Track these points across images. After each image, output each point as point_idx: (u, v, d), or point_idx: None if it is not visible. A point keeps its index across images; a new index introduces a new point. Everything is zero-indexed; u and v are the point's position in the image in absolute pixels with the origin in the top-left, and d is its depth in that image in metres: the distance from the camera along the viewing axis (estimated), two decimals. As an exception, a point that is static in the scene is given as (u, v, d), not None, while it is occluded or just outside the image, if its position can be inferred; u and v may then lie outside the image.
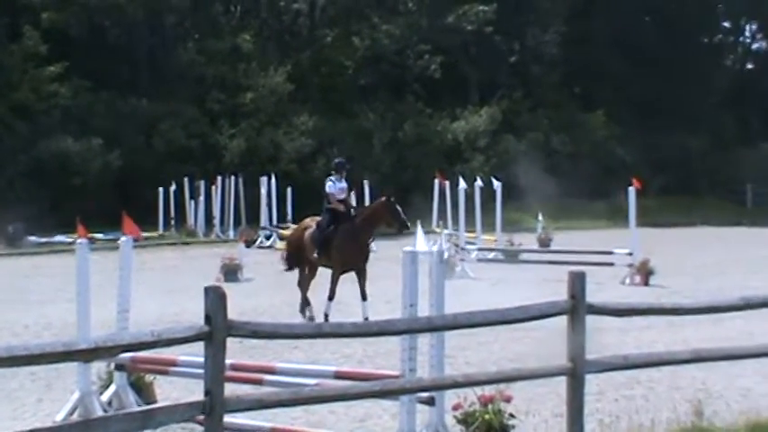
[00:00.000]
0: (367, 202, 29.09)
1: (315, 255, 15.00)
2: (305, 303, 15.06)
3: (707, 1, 52.02)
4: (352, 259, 14.81)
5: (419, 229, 8.37)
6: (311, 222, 15.56)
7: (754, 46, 55.93)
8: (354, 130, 41.78)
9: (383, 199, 15.49)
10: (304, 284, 15.27)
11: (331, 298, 14.79)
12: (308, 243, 15.14)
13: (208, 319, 5.58)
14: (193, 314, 11.56)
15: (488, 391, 7.96)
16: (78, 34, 39.60)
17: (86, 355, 5.59)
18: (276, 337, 6.29)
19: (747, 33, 55.19)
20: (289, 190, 32.41)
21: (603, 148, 45.83)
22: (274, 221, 31.59)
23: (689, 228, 38.22)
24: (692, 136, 47.34)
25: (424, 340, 7.96)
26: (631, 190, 20.73)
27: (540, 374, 7.32)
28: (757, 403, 9.34)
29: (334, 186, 15.34)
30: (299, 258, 15.39)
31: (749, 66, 55.90)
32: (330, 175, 15.57)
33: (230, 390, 7.33)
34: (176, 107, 39.66)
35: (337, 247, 14.88)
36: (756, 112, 51.25)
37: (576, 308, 7.04)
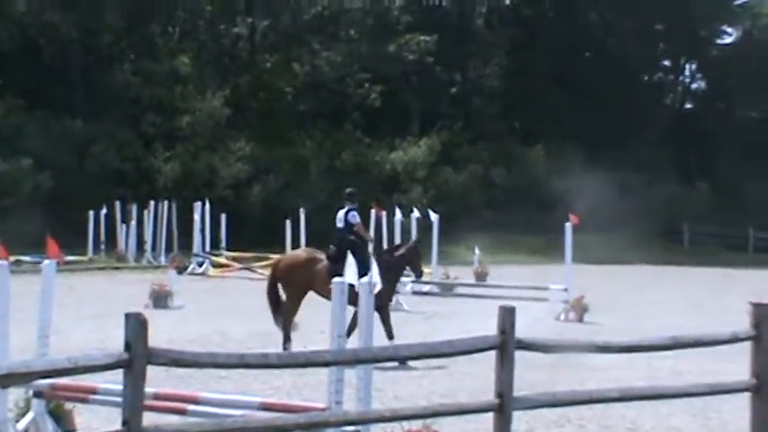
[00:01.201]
0: (303, 232, 29.04)
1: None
2: (288, 339, 14.68)
3: (648, 39, 52.88)
4: (387, 295, 14.60)
5: (350, 260, 8.37)
6: (316, 254, 15.26)
7: (693, 86, 56.92)
8: (292, 157, 41.73)
9: (412, 243, 15.98)
10: (289, 319, 14.83)
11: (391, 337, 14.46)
12: (322, 276, 14.67)
13: (128, 346, 5.52)
14: (120, 341, 11.39)
15: (415, 425, 7.95)
16: (11, 51, 39.13)
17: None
18: (198, 365, 6.24)
19: (687, 73, 56.18)
20: (223, 216, 32.25)
21: (542, 182, 46.22)
22: (207, 248, 31.38)
23: (626, 265, 38.64)
24: (632, 173, 47.95)
25: (352, 372, 7.95)
26: (568, 226, 20.91)
27: (467, 410, 7.33)
28: (686, 443, 9.45)
29: (358, 217, 15.51)
30: (294, 289, 14.95)
31: (688, 105, 56.86)
32: (344, 206, 15.56)
33: (152, 419, 7.23)
34: (110, 129, 39.32)
35: None
36: (694, 152, 52.14)
37: (505, 343, 7.08)
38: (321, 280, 14.65)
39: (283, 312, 14.88)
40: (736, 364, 13.17)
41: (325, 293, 14.58)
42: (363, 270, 14.70)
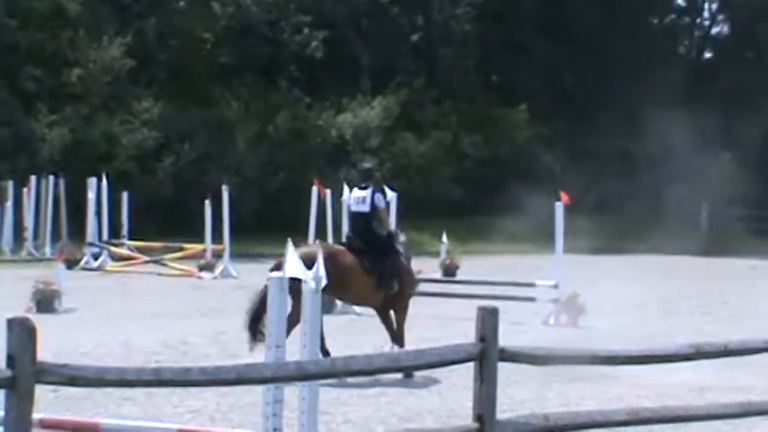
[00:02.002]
0: (225, 213, 28.98)
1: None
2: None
3: (657, -27, 53.34)
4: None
5: (290, 250, 8.36)
6: (336, 247, 15.56)
7: (714, 30, 57.31)
8: (212, 121, 41.56)
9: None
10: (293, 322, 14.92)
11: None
12: (357, 275, 15.05)
13: (10, 360, 5.49)
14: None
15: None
16: None
17: None
18: (102, 384, 6.21)
19: (706, 15, 56.56)
20: (125, 196, 32.07)
21: (526, 152, 46.45)
22: (105, 236, 31.22)
23: (630, 255, 38.95)
24: (636, 140, 48.28)
25: (294, 392, 7.96)
26: (559, 206, 21.01)
27: (439, 437, 7.37)
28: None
29: (384, 200, 15.95)
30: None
31: (707, 54, 57.27)
32: (359, 185, 15.75)
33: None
34: (-22, 84, 38.98)
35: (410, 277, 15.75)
36: (715, 113, 52.45)
37: (486, 353, 7.12)
38: (355, 280, 14.97)
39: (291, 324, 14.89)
40: (770, 378, 13.38)
41: (360, 297, 15.49)
42: (393, 270, 15.30)
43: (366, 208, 15.47)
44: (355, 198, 15.64)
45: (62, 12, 41.93)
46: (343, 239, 16.24)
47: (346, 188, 17.32)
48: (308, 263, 14.82)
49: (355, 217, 15.67)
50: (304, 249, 14.50)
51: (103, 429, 8.03)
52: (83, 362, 13.04)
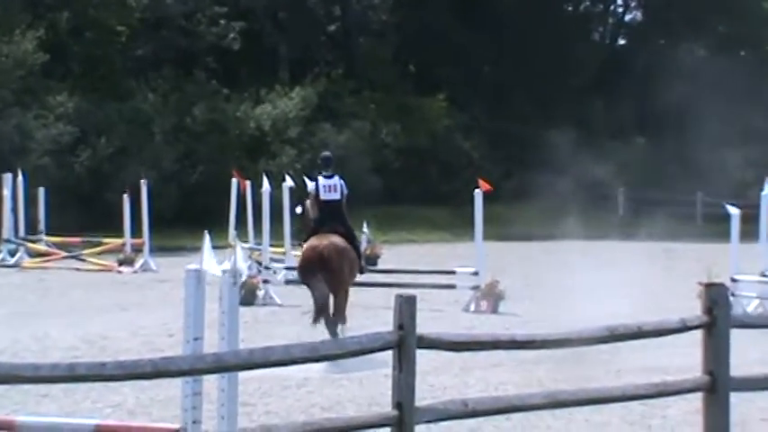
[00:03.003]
0: (144, 207, 28.80)
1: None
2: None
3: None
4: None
5: (207, 243, 8.33)
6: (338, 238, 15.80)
7: (628, 17, 57.83)
8: (128, 114, 41.26)
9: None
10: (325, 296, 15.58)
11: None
12: (355, 261, 16.00)
13: (-77, 359, 5.43)
14: None
15: (294, 447, 7.97)
16: None
17: None
18: (16, 381, 6.16)
19: (619, 1, 57.03)
20: (41, 191, 31.72)
21: (445, 140, 46.60)
22: (21, 232, 30.86)
23: (548, 241, 39.20)
24: (553, 127, 48.61)
25: (214, 384, 7.93)
26: (478, 193, 21.12)
27: (358, 425, 7.39)
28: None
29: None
30: (345, 279, 15.79)
31: (621, 41, 57.78)
32: (322, 174, 16.14)
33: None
34: None
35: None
36: (629, 99, 52.98)
37: (404, 341, 7.15)
38: (350, 265, 15.69)
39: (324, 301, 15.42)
40: (685, 359, 13.56)
41: (348, 282, 15.83)
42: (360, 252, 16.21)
43: (337, 195, 15.95)
44: (324, 186, 15.97)
45: (-28, 5, 41.38)
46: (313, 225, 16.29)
47: (307, 179, 17.47)
48: (341, 250, 15.62)
49: (328, 205, 15.94)
50: (325, 241, 15.37)
51: (20, 427, 7.94)
52: None
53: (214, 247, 8.71)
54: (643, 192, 48.36)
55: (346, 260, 15.55)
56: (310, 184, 16.36)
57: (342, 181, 16.10)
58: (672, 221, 45.20)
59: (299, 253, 24.69)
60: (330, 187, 15.94)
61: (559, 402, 8.33)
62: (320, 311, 15.06)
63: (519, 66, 48.99)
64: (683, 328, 8.58)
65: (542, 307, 20.19)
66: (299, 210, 16.90)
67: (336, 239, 15.47)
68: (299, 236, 17.34)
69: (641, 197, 48.14)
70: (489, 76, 49.62)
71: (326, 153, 17.09)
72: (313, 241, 15.50)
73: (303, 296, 21.44)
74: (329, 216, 15.81)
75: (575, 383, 11.49)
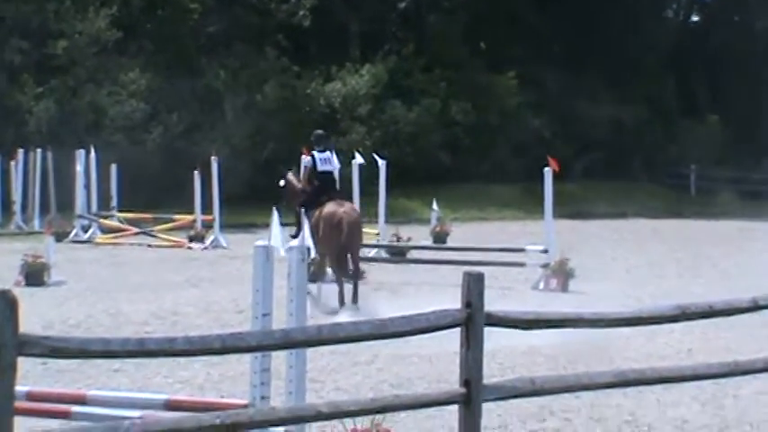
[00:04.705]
0: (215, 184, 28.97)
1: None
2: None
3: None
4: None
5: (275, 219, 8.35)
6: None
7: (702, -6, 57.24)
8: (200, 91, 41.44)
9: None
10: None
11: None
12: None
13: (-7, 332, 5.46)
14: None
15: (362, 423, 7.98)
16: None
17: None
18: (86, 355, 6.20)
19: (694, -22, 56.44)
20: (113, 168, 32.02)
21: (515, 118, 46.41)
22: (94, 208, 31.17)
23: (619, 220, 39.01)
24: (625, 105, 48.29)
25: (282, 360, 7.97)
26: (548, 171, 21.03)
27: (425, 402, 7.37)
28: (695, 438, 9.60)
29: None
30: (358, 246, 17.90)
31: (694, 18, 57.20)
32: (320, 149, 18.20)
33: (28, 426, 7.21)
34: (-35, 58, 38.82)
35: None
36: (703, 77, 52.52)
37: (472, 318, 7.12)
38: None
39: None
40: (757, 340, 13.43)
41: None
42: None
43: (330, 167, 18.14)
44: (320, 159, 18.02)
45: (47, -16, 41.71)
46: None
47: (305, 153, 19.26)
48: (355, 220, 17.46)
49: (326, 175, 18.05)
50: (341, 209, 17.20)
51: (91, 400, 8.01)
52: (72, 334, 13.06)
53: (283, 224, 8.74)
54: (716, 170, 47.91)
55: (358, 227, 17.78)
56: (306, 159, 18.44)
57: (334, 156, 18.31)
58: (745, 200, 44.86)
59: (367, 230, 24.79)
60: (325, 160, 18.03)
61: (629, 381, 8.26)
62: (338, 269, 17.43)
63: (591, 43, 48.65)
64: (755, 307, 8.48)
65: (613, 285, 20.08)
66: (282, 183, 18.83)
67: (351, 205, 18.16)
68: (289, 205, 18.51)
69: (714, 175, 47.69)
70: (560, 54, 49.27)
71: (319, 131, 19.21)
72: (330, 207, 17.27)
73: (372, 271, 21.61)
74: (325, 185, 17.87)
75: (645, 362, 11.45)
